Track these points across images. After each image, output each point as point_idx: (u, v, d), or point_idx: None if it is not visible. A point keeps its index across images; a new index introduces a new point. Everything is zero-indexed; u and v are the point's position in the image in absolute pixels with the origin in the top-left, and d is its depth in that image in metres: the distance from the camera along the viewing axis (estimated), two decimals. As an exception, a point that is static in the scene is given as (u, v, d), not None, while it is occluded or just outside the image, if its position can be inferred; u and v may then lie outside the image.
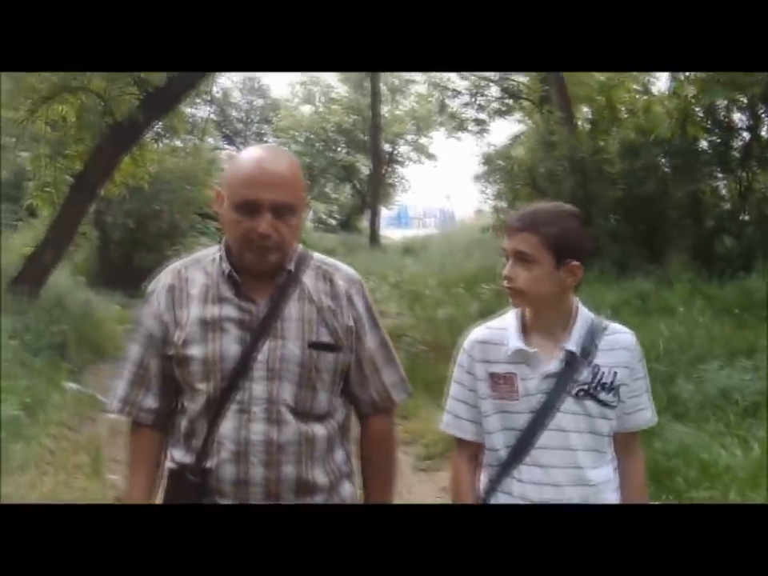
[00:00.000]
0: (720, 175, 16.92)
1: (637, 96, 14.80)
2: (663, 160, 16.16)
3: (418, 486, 7.01)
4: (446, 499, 6.50)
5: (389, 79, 39.09)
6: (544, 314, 2.70)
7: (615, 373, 2.66)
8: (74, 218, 11.99)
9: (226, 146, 42.92)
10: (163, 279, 2.67)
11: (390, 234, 38.63)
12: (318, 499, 2.61)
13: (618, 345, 2.71)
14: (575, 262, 2.64)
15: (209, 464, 2.53)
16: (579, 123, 20.86)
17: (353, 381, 2.71)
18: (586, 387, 2.64)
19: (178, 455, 2.62)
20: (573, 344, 2.65)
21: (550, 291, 2.65)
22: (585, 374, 2.65)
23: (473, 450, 2.80)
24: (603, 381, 2.65)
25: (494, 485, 2.73)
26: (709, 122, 15.54)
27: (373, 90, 34.68)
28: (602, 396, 2.65)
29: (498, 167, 22.69)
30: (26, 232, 18.02)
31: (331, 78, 41.89)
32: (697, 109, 14.54)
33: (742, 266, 13.02)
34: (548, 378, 2.65)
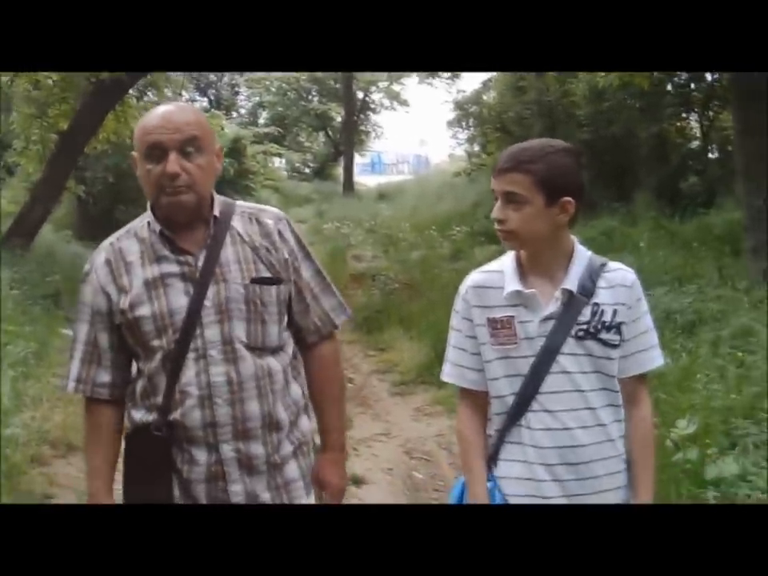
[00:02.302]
0: (684, 115, 17.46)
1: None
2: (629, 101, 16.48)
3: (394, 407, 7.68)
4: (418, 419, 7.26)
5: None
6: (540, 254, 2.60)
7: (615, 311, 2.56)
8: (61, 175, 12.44)
9: (199, 98, 42.90)
10: (98, 256, 2.67)
11: (365, 180, 38.39)
12: (282, 434, 2.65)
13: (618, 282, 2.60)
14: (566, 198, 2.52)
15: (173, 416, 2.56)
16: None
17: (295, 311, 2.75)
18: (586, 327, 2.55)
19: (138, 416, 2.64)
20: (571, 283, 2.55)
21: (543, 230, 2.54)
22: (585, 314, 2.55)
23: (478, 400, 2.71)
24: (604, 319, 2.55)
25: (502, 435, 2.64)
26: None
27: (344, 37, 34.40)
28: (604, 335, 2.55)
29: (470, 112, 22.96)
30: (5, 190, 18.43)
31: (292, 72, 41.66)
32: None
33: (703, 203, 13.55)
34: (547, 320, 2.55)
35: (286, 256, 2.69)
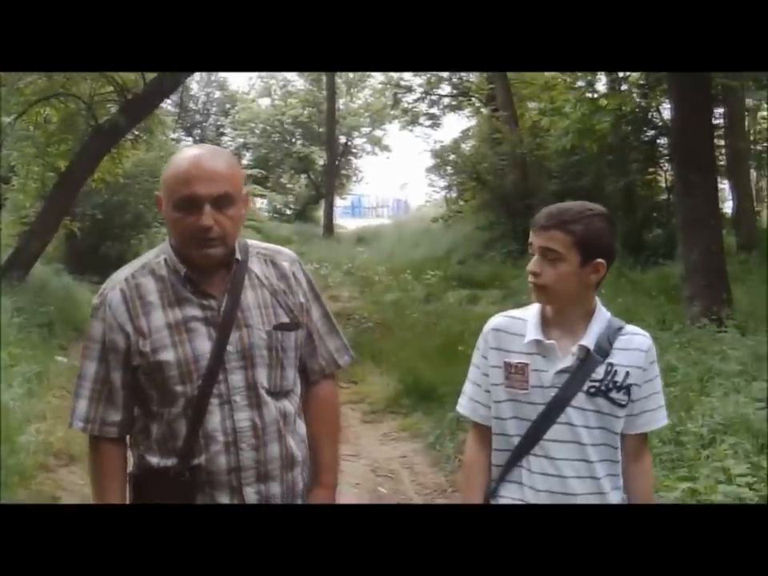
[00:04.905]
0: (651, 170, 18.28)
1: (572, 98, 15.88)
2: (597, 156, 17.20)
3: (364, 433, 8.39)
4: (385, 443, 8.02)
5: (345, 73, 39.52)
6: (565, 310, 2.68)
7: (628, 373, 2.64)
8: (58, 211, 13.10)
9: (184, 138, 43.47)
10: (112, 291, 2.59)
11: (345, 223, 38.94)
12: (297, 472, 2.68)
13: (633, 345, 2.68)
14: (600, 260, 2.62)
15: (197, 461, 2.53)
16: (526, 117, 22.01)
17: (303, 352, 2.75)
18: (598, 385, 2.62)
19: (154, 460, 2.59)
20: (589, 341, 2.63)
21: (573, 288, 2.63)
22: (599, 372, 2.62)
23: (487, 433, 2.79)
24: (616, 379, 2.63)
25: (503, 474, 2.73)
26: (632, 124, 16.75)
27: (329, 83, 34.81)
28: (614, 394, 2.63)
29: (447, 161, 23.66)
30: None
31: (288, 72, 42.23)
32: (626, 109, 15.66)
33: (665, 254, 14.33)
34: (562, 372, 2.63)
35: (302, 299, 2.71)
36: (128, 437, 2.68)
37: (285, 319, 2.64)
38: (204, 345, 2.53)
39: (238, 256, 2.61)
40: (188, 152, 2.58)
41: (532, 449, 2.66)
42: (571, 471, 2.63)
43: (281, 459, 2.61)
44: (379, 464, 7.35)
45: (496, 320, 2.80)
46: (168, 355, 2.52)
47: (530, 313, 2.74)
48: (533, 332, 2.68)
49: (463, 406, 2.86)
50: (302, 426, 2.75)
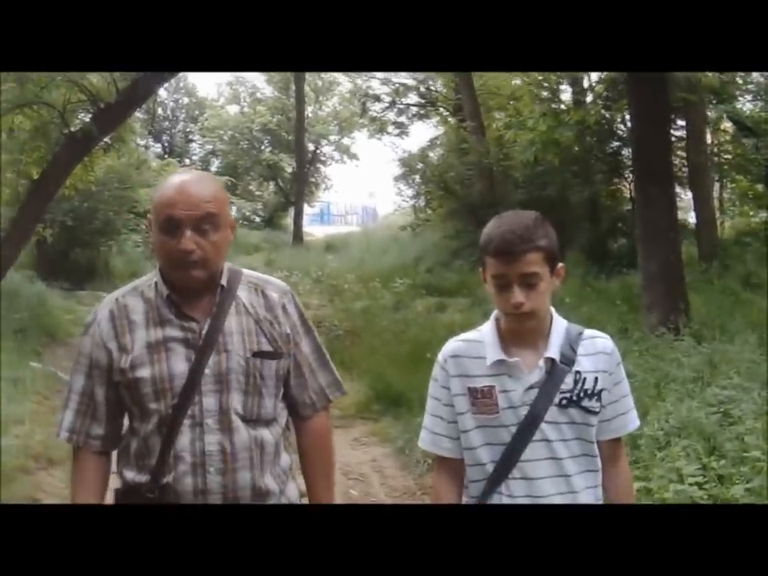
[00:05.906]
0: (616, 180, 18.67)
1: (537, 110, 16.18)
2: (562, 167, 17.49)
3: (335, 438, 8.29)
4: (356, 448, 8.29)
5: (313, 81, 39.77)
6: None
7: (597, 378, 2.56)
8: (31, 219, 13.18)
9: (153, 144, 43.48)
10: (102, 310, 2.70)
11: (313, 231, 38.93)
12: (271, 501, 2.66)
13: (597, 349, 2.60)
14: (561, 264, 2.58)
15: (166, 479, 2.57)
16: (493, 128, 22.31)
17: (292, 385, 2.76)
18: (569, 395, 2.54)
19: (130, 476, 2.65)
20: (554, 352, 2.55)
21: (549, 301, 2.57)
22: (567, 382, 2.54)
23: (453, 467, 2.68)
24: (586, 387, 2.55)
25: (481, 501, 2.61)
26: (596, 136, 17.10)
27: (297, 91, 34.95)
28: (586, 403, 2.55)
29: (415, 169, 23.93)
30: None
31: (257, 79, 42.17)
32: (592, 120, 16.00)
33: (628, 264, 14.66)
34: (531, 388, 2.54)
35: (288, 331, 2.71)
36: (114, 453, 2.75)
37: (267, 348, 2.66)
38: (180, 365, 2.58)
39: (224, 282, 2.67)
40: (175, 178, 2.66)
41: (510, 473, 2.56)
42: (553, 488, 2.55)
43: (251, 488, 2.61)
44: (350, 468, 7.58)
45: (451, 346, 2.69)
46: (144, 372, 2.58)
47: (485, 333, 2.66)
48: (494, 353, 2.58)
49: (424, 441, 2.75)
50: (285, 459, 2.76)
